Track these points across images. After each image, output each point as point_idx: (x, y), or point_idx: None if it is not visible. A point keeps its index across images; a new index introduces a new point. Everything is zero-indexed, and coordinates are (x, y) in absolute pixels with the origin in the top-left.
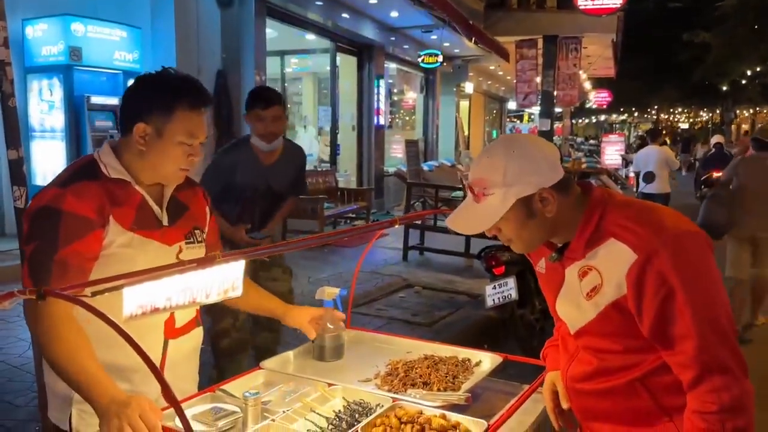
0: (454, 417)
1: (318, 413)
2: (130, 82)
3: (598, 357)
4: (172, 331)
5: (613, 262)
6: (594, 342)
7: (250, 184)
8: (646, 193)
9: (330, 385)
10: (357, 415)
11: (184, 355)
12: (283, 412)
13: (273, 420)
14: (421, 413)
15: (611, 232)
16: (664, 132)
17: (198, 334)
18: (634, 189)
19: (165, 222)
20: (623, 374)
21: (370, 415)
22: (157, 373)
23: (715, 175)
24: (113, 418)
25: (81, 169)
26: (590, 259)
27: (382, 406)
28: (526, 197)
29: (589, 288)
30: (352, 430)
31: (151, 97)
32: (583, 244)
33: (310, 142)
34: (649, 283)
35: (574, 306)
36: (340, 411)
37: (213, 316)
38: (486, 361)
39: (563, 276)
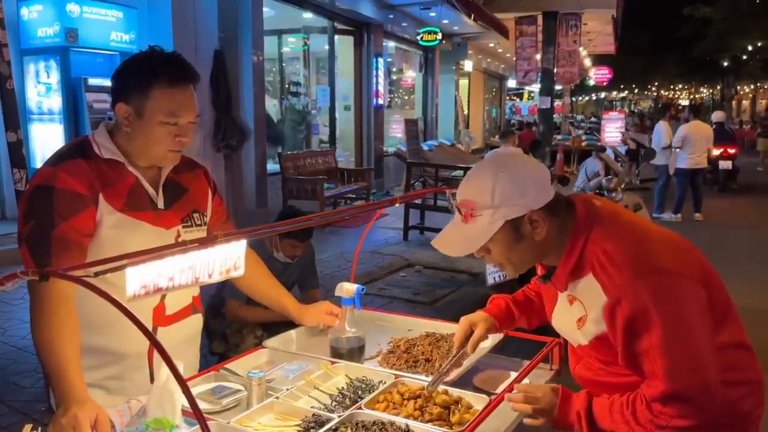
0: (456, 392)
1: (321, 390)
2: None
3: (603, 366)
4: (161, 319)
5: (592, 300)
6: (596, 355)
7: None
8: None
9: (333, 362)
10: (360, 392)
11: (180, 343)
12: (287, 389)
13: (277, 398)
14: (423, 389)
15: (590, 266)
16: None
17: (196, 321)
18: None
19: (160, 205)
20: (631, 378)
21: (373, 391)
22: (162, 351)
23: (716, 151)
24: (66, 414)
25: (72, 148)
26: (573, 291)
27: (385, 382)
28: (515, 219)
29: (577, 317)
30: (356, 406)
31: (130, 76)
32: (566, 275)
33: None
34: (619, 325)
35: (567, 327)
36: (343, 388)
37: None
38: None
39: (557, 295)
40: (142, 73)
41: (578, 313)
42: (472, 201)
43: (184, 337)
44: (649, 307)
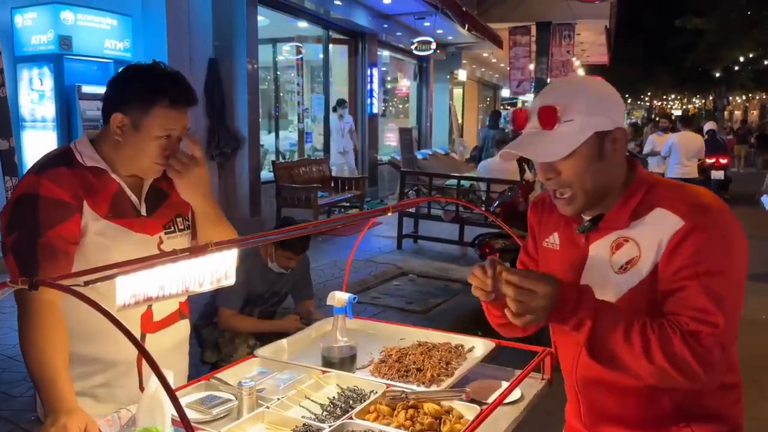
0: (448, 402)
1: (312, 400)
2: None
3: None
4: (149, 325)
5: (656, 228)
6: None
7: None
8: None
9: (324, 372)
10: (351, 402)
11: (168, 349)
12: (278, 399)
13: (268, 407)
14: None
15: (659, 204)
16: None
17: (183, 326)
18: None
19: (143, 212)
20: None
21: (364, 401)
22: (152, 362)
23: (708, 161)
24: (55, 424)
25: (55, 157)
26: (630, 230)
27: (376, 392)
28: (603, 133)
29: (624, 261)
30: (347, 416)
31: (133, 87)
32: (627, 214)
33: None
34: (687, 248)
35: (602, 283)
36: (334, 398)
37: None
38: (479, 347)
39: (585, 252)
40: (146, 88)
41: (626, 257)
42: (564, 105)
43: (173, 343)
44: (726, 236)
